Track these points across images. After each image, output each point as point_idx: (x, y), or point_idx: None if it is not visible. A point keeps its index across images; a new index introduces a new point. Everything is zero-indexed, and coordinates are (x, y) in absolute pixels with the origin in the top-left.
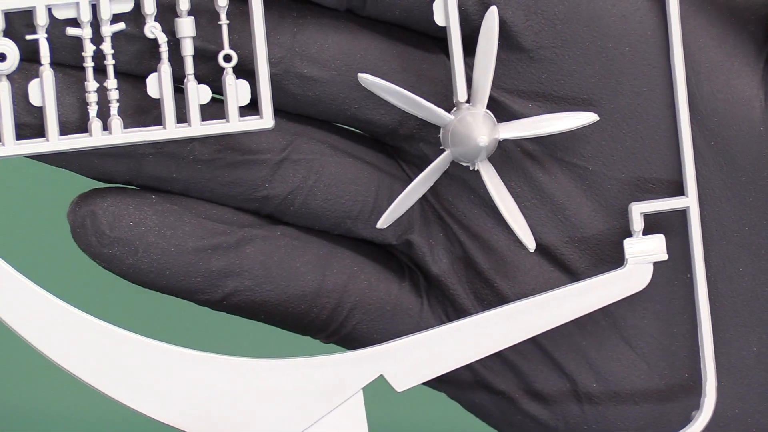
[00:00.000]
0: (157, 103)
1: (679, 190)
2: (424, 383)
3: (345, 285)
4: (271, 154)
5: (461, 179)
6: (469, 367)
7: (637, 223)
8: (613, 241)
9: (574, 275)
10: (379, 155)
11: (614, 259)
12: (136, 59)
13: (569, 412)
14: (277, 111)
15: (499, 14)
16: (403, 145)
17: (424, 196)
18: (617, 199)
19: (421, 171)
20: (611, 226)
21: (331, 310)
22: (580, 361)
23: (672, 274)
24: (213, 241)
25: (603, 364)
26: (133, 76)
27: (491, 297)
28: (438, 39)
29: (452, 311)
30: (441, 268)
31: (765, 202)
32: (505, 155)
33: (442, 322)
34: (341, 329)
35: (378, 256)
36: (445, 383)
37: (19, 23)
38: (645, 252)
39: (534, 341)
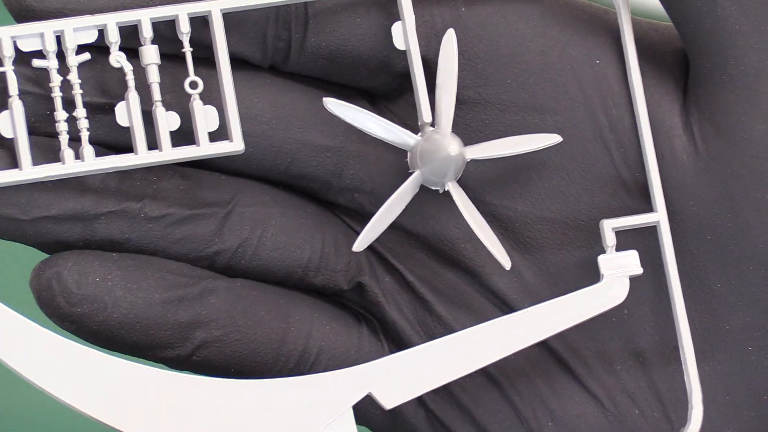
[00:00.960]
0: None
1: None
2: None
3: (308, 331)
4: (218, 208)
5: (399, 226)
6: (424, 413)
7: (610, 239)
8: (548, 281)
9: None
10: (318, 207)
11: (551, 298)
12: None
13: None
14: (215, 170)
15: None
16: (337, 198)
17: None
18: (548, 239)
19: (360, 221)
20: (543, 266)
21: (298, 357)
22: (535, 401)
23: (609, 311)
24: (178, 292)
25: (557, 404)
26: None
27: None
28: (360, 90)
29: None
30: (394, 309)
31: (691, 232)
32: (438, 204)
33: None
34: None
35: (333, 307)
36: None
37: None
38: (620, 266)
39: (491, 382)
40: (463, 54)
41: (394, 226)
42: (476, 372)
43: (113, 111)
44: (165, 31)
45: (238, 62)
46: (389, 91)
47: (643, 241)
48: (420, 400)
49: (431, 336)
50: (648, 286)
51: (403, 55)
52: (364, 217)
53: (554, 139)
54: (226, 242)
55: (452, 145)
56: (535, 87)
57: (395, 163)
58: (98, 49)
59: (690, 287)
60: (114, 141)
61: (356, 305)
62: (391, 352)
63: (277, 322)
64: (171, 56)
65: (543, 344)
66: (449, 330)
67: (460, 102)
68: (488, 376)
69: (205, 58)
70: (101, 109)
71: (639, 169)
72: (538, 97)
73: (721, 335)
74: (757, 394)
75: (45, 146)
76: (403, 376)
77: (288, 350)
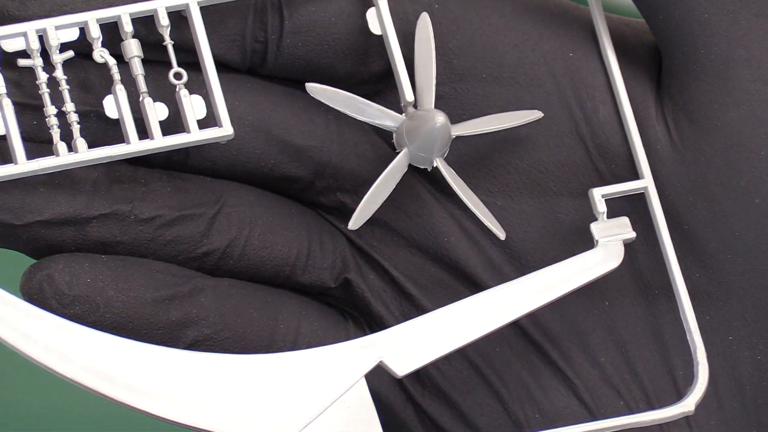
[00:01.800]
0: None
1: (590, 218)
2: None
3: (297, 328)
4: (205, 209)
5: (383, 222)
6: (413, 409)
7: (600, 205)
8: (529, 271)
9: None
10: (302, 206)
11: None
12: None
13: None
14: (200, 174)
15: None
16: (320, 199)
17: (350, 240)
18: (527, 233)
19: (343, 220)
20: (524, 260)
21: None
22: (521, 393)
23: (591, 303)
24: (168, 291)
25: (543, 396)
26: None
27: None
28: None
29: None
30: (380, 305)
31: (668, 222)
32: (420, 200)
33: None
34: None
35: (319, 304)
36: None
37: None
38: (613, 232)
39: (478, 376)
40: (437, 50)
41: (377, 223)
42: (463, 366)
43: (94, 118)
44: (147, 38)
45: (217, 66)
46: (366, 91)
47: None
48: (408, 395)
49: None
50: (628, 277)
51: (380, 53)
52: (348, 216)
53: (536, 114)
54: (215, 243)
55: (437, 117)
56: (510, 81)
57: (376, 161)
58: (77, 58)
59: (668, 277)
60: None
61: (342, 302)
62: None
63: (266, 320)
64: (151, 62)
65: (527, 336)
66: None
67: (437, 97)
68: (475, 369)
69: (185, 63)
70: (84, 117)
71: (615, 161)
72: (513, 91)
73: (702, 325)
74: (740, 384)
75: (34, 150)
76: (413, 344)
77: (277, 348)
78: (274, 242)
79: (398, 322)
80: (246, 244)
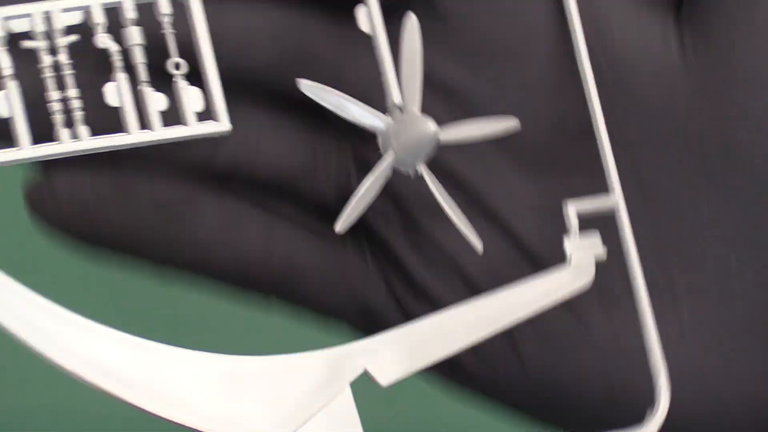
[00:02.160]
0: None
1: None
2: None
3: (295, 248)
4: None
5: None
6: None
7: (573, 219)
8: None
9: None
10: (310, 121)
11: None
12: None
13: (506, 367)
14: None
15: None
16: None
17: (357, 156)
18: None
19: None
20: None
21: (283, 274)
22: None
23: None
24: (170, 209)
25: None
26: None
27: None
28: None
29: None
30: (379, 219)
31: (683, 147)
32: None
33: (385, 282)
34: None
35: (317, 219)
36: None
37: None
38: (584, 248)
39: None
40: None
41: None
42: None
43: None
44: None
45: None
46: None
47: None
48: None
49: (418, 247)
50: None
51: None
52: (360, 131)
53: (512, 123)
54: (222, 159)
55: (427, 124)
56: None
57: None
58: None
59: (679, 205)
60: None
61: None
62: (376, 266)
63: (263, 240)
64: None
65: None
66: (437, 244)
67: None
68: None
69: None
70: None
71: (631, 95)
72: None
73: (705, 243)
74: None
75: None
76: (397, 352)
77: (274, 266)
78: (281, 153)
79: (400, 238)
80: (255, 159)
